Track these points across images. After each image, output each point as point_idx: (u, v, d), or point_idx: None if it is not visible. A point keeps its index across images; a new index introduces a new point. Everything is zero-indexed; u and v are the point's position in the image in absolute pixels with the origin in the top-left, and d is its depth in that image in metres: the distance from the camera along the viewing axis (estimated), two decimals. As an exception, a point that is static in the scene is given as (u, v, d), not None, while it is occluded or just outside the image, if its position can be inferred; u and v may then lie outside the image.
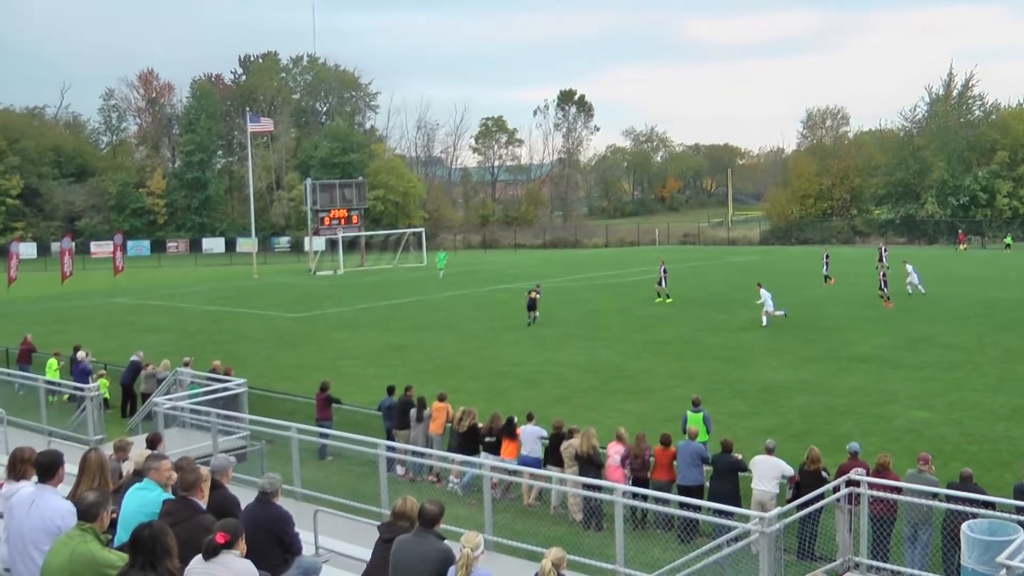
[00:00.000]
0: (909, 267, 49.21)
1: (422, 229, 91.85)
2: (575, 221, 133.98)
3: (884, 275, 45.55)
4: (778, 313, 40.07)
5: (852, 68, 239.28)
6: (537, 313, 42.53)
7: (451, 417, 20.68)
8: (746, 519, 12.22)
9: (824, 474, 15.30)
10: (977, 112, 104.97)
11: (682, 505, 14.60)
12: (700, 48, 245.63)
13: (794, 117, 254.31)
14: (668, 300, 47.64)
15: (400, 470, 19.88)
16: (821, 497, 12.99)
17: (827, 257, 55.98)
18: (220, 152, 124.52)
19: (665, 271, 49.72)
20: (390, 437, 20.87)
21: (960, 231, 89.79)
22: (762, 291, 40.61)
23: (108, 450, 12.20)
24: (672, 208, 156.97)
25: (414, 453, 19.00)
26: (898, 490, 13.57)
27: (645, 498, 14.50)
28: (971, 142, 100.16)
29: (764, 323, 39.78)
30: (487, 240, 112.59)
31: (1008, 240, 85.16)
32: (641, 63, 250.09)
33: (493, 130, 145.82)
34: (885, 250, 64.63)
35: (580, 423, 19.58)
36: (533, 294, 43.00)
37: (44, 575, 7.30)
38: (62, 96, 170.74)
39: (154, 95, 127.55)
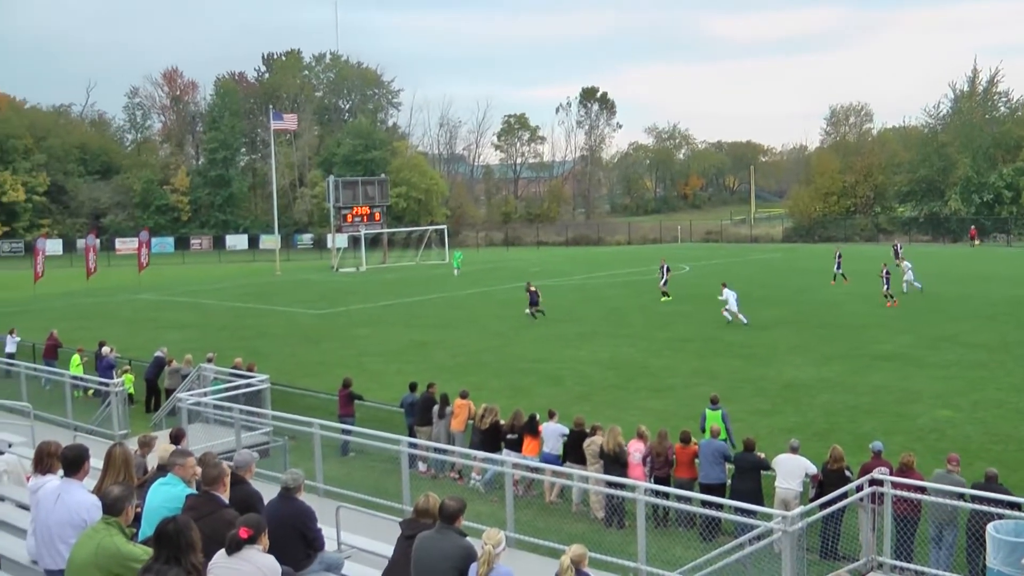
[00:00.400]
0: (907, 264, 48.87)
1: (444, 226, 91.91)
2: (597, 218, 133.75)
3: (887, 275, 45.21)
4: (741, 318, 39.76)
5: (876, 64, 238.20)
6: (540, 308, 42.97)
7: (473, 414, 20.68)
8: (769, 518, 12.19)
9: (847, 473, 15.21)
10: (1003, 109, 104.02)
11: (704, 503, 14.57)
12: (723, 45, 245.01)
13: (817, 114, 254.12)
14: (666, 299, 47.21)
15: (422, 467, 19.90)
16: (844, 496, 12.95)
17: (839, 256, 55.56)
18: (243, 149, 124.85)
19: (668, 269, 49.39)
20: (412, 434, 20.89)
21: (972, 228, 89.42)
22: (725, 290, 40.54)
23: (132, 445, 12.28)
24: (694, 206, 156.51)
25: (436, 450, 19.03)
26: (922, 490, 13.47)
27: (667, 496, 14.46)
28: (996, 139, 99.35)
29: (728, 319, 39.87)
30: (509, 237, 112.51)
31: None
32: (664, 60, 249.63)
33: (515, 127, 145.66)
34: (901, 247, 64.36)
35: (602, 420, 19.54)
36: (532, 288, 43.67)
37: (70, 568, 7.36)
38: (88, 94, 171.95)
39: (178, 93, 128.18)
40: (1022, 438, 22.08)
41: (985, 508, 11.98)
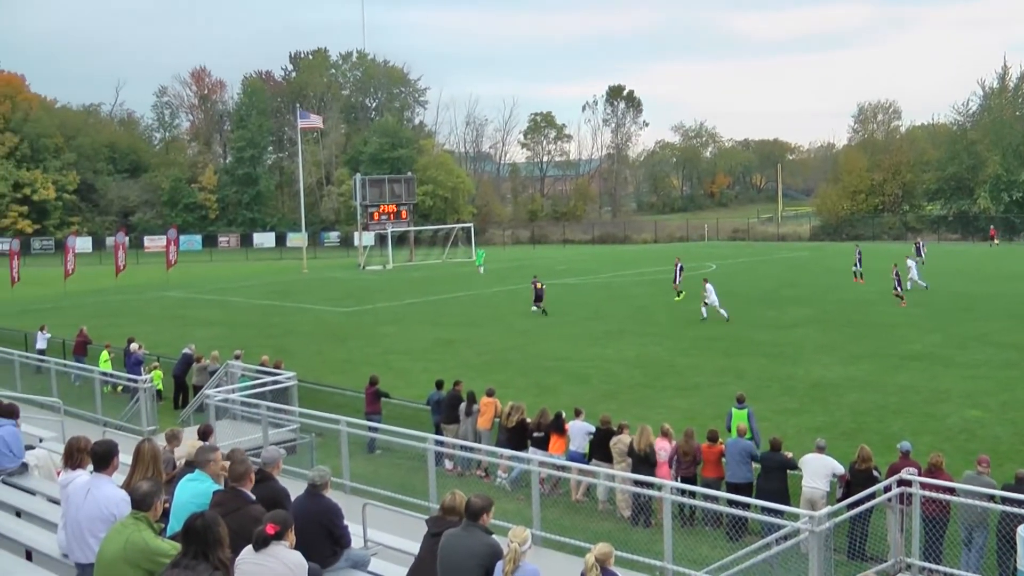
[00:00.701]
0: (910, 262, 48.42)
1: (471, 224, 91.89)
2: (624, 217, 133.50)
3: (898, 274, 44.86)
4: (722, 312, 40.34)
5: (904, 61, 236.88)
6: (542, 304, 43.94)
7: (499, 412, 20.67)
8: (796, 518, 12.13)
9: (875, 473, 15.10)
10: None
11: (731, 503, 14.51)
12: (750, 42, 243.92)
13: (845, 112, 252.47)
14: (679, 297, 46.96)
15: (448, 464, 19.92)
16: (872, 496, 12.86)
17: (859, 254, 55.25)
18: (271, 148, 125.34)
19: (681, 269, 49.03)
20: (439, 431, 20.90)
21: (991, 227, 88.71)
22: (707, 286, 41.08)
23: (161, 441, 12.35)
24: (721, 204, 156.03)
25: (463, 448, 19.03)
26: (951, 491, 13.34)
27: (693, 495, 14.42)
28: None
29: (704, 315, 40.44)
30: (536, 235, 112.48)
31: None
32: (690, 58, 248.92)
33: (542, 125, 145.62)
34: (924, 245, 63.88)
35: (628, 419, 19.53)
36: (539, 284, 44.40)
37: (99, 562, 7.42)
38: (117, 93, 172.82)
39: (206, 92, 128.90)
40: (1053, 439, 21.88)
41: (1016, 510, 11.85)
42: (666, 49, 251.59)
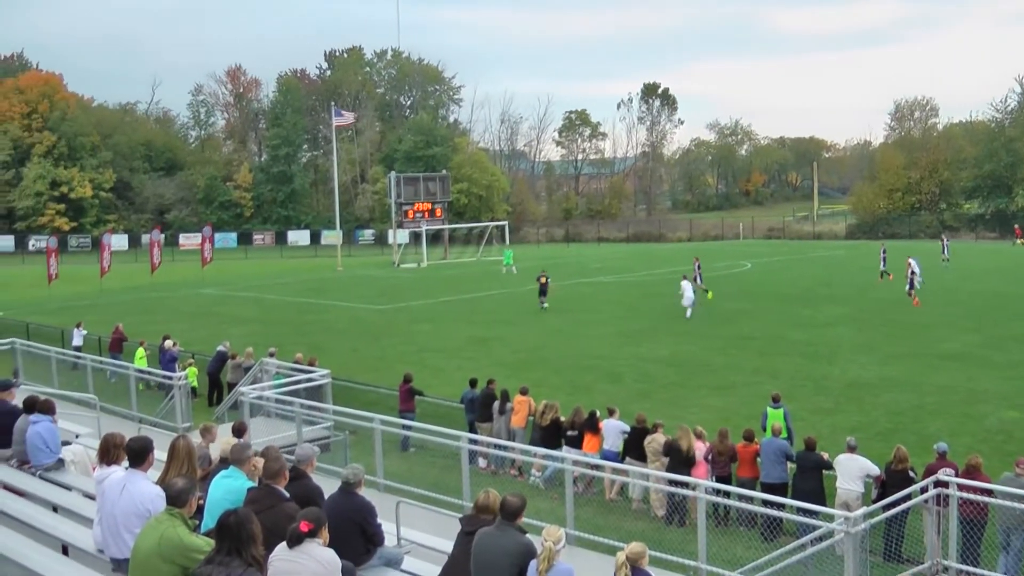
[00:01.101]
0: (912, 261, 47.94)
1: (505, 222, 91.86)
2: (659, 215, 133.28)
3: (913, 272, 44.40)
4: (689, 311, 40.74)
5: (941, 58, 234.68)
6: (545, 299, 45.03)
7: (533, 410, 20.66)
8: (831, 518, 12.04)
9: (911, 474, 14.95)
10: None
11: (765, 503, 14.43)
12: (786, 39, 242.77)
13: (881, 109, 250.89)
14: (709, 295, 46.60)
15: (482, 463, 19.93)
16: (908, 498, 12.75)
17: (884, 252, 54.64)
18: (305, 146, 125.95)
19: (699, 267, 48.74)
20: (472, 430, 20.90)
21: (1016, 227, 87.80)
22: (684, 283, 41.53)
23: (195, 438, 12.42)
24: (756, 202, 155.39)
25: (496, 446, 19.04)
26: (989, 492, 13.18)
27: (728, 495, 14.36)
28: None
29: (688, 315, 40.61)
30: (570, 234, 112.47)
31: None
32: (726, 55, 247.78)
33: (576, 123, 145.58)
34: (947, 244, 63.26)
35: (663, 418, 19.47)
36: (543, 279, 45.20)
37: (134, 557, 7.47)
38: (153, 92, 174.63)
39: (241, 90, 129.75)
40: (1093, 440, 21.60)
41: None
42: (701, 46, 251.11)
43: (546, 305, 44.88)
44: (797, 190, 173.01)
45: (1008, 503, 12.84)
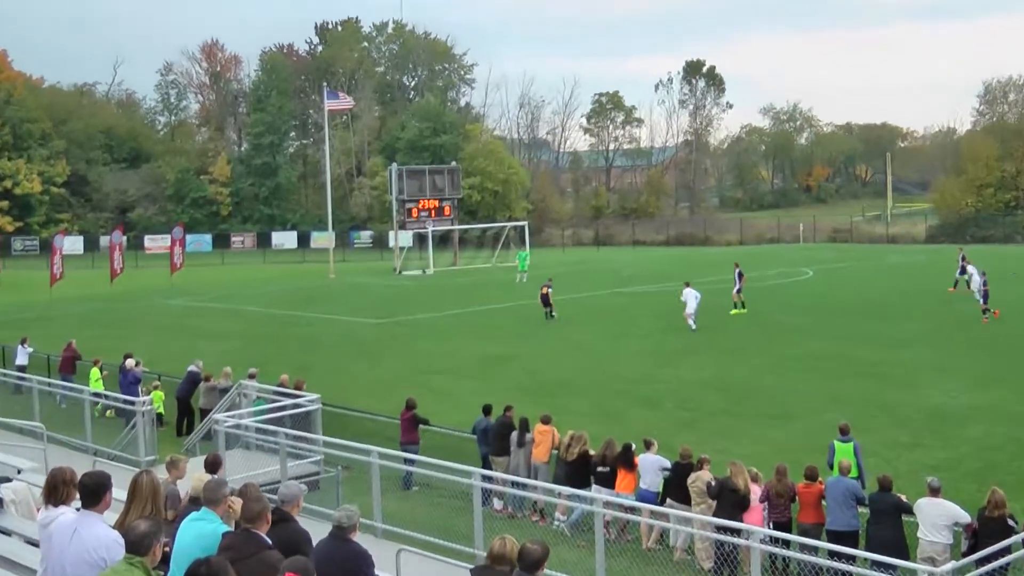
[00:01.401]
0: (971, 269, 47.57)
1: (525, 223, 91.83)
2: (704, 214, 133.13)
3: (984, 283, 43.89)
4: (690, 322, 41.68)
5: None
6: (551, 308, 46.51)
7: (557, 443, 20.58)
8: (913, 573, 11.90)
9: (1011, 522, 14.79)
10: None
11: (832, 554, 14.27)
12: (854, 9, 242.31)
13: (969, 90, 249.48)
14: (743, 310, 46.47)
15: (498, 504, 19.88)
16: (1008, 551, 12.59)
17: (963, 259, 53.40)
18: (293, 134, 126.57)
19: (740, 275, 47.75)
20: (486, 465, 20.87)
21: None
22: (686, 291, 42.21)
23: (161, 472, 12.36)
24: (819, 199, 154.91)
25: (514, 484, 18.97)
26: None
27: (788, 544, 14.22)
28: None
29: (692, 327, 41.39)
30: (600, 235, 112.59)
31: None
32: (783, 28, 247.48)
33: (608, 108, 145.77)
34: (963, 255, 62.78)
35: (710, 452, 19.32)
36: (545, 289, 46.62)
37: (86, 617, 7.38)
38: (115, 72, 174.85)
39: (218, 69, 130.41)
40: None
41: None
42: (754, 17, 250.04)
43: (549, 313, 46.38)
44: (867, 185, 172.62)
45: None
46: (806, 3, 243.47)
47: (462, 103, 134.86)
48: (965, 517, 15.33)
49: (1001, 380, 31.49)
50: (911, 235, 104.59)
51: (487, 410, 22.70)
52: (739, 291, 47.13)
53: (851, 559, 13.36)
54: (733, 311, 46.36)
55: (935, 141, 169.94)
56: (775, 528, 16.31)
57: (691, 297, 41.86)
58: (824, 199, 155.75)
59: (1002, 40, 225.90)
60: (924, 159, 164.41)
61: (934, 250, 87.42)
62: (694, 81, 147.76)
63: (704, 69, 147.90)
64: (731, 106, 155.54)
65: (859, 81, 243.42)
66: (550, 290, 46.69)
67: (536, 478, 20.38)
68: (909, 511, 15.84)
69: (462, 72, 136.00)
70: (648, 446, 19.24)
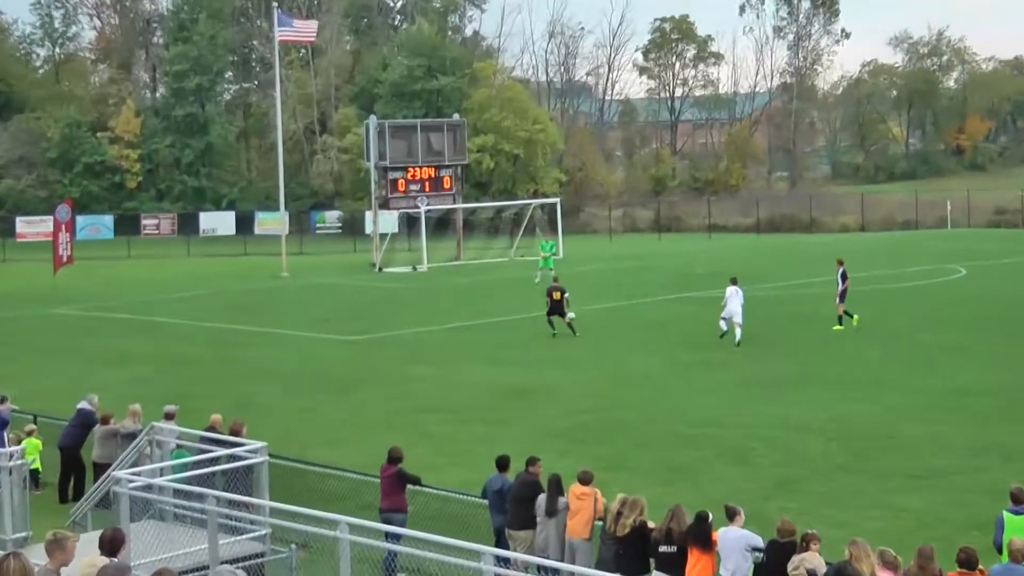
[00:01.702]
0: None
1: (557, 200, 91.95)
2: (809, 187, 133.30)
3: None
4: (722, 326, 43.57)
5: None
6: (571, 314, 47.47)
7: (603, 511, 20.47)
8: None
9: None
10: None
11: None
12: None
13: None
14: (854, 320, 46.26)
15: (518, 598, 19.78)
16: None
17: None
18: (230, 75, 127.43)
19: (844, 276, 47.39)
20: (502, 542, 20.82)
21: None
22: (731, 288, 43.74)
23: (36, 556, 12.25)
24: (976, 166, 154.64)
25: (541, 569, 18.88)
26: None
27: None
28: None
29: (737, 338, 43.27)
30: (662, 218, 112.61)
31: None
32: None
33: (673, 39, 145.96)
34: None
35: (821, 527, 19.21)
36: (556, 295, 46.98)
37: None
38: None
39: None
40: None
41: None
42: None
43: (571, 315, 47.10)
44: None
45: None
46: None
47: (468, 31, 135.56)
48: None
49: None
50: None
51: (503, 464, 22.59)
52: (841, 299, 46.55)
53: None
54: (837, 327, 46.20)
55: None
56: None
57: (734, 298, 43.22)
58: (983, 165, 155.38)
59: None
60: None
61: None
62: (796, 2, 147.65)
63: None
64: (848, 35, 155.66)
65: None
66: (566, 295, 47.05)
67: (573, 561, 20.26)
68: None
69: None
70: (732, 517, 19.11)
